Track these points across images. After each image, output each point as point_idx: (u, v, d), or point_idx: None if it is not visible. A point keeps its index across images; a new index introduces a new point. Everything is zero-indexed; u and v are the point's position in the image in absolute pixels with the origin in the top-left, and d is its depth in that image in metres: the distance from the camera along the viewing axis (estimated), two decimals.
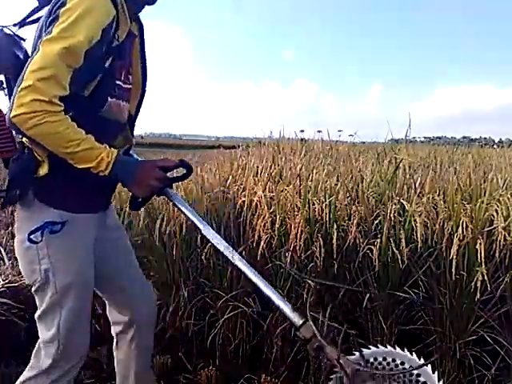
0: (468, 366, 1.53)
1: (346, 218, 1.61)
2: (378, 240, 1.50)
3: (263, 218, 1.61)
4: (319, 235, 1.55)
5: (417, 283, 1.54)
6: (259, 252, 1.56)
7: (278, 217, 1.63)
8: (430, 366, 0.92)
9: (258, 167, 2.21)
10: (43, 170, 0.97)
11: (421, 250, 1.46)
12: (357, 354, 0.95)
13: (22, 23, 1.05)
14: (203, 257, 1.68)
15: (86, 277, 1.07)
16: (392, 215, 1.50)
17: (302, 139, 3.81)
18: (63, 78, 0.88)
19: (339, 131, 3.98)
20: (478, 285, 1.33)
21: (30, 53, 1.00)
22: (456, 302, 1.51)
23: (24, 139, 0.97)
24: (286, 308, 0.95)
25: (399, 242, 1.45)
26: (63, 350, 1.02)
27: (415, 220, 1.45)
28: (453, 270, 1.36)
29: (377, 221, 1.62)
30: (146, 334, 1.25)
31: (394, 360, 0.97)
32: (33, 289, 1.02)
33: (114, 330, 1.25)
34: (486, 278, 1.32)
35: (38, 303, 1.04)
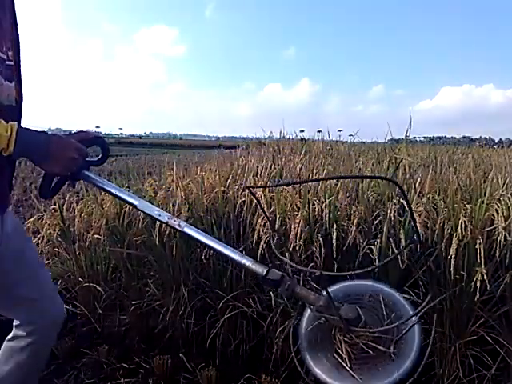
0: (468, 365, 1.53)
1: (346, 218, 1.61)
2: (378, 240, 1.50)
3: (263, 218, 1.61)
4: (319, 235, 1.55)
5: (417, 283, 1.54)
6: (259, 252, 1.56)
7: (277, 217, 1.63)
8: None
9: (257, 167, 2.21)
10: None
11: (421, 250, 1.46)
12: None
13: None
14: (203, 257, 1.67)
15: None
16: (392, 215, 1.50)
17: (302, 139, 3.81)
18: None
19: (339, 131, 3.99)
20: (478, 285, 1.33)
21: None
22: (456, 302, 1.51)
23: None
24: (248, 262, 0.93)
25: (399, 241, 1.45)
26: None
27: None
28: (452, 269, 1.36)
29: (377, 221, 1.62)
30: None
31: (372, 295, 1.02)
32: None
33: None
34: (485, 277, 1.32)
35: None
